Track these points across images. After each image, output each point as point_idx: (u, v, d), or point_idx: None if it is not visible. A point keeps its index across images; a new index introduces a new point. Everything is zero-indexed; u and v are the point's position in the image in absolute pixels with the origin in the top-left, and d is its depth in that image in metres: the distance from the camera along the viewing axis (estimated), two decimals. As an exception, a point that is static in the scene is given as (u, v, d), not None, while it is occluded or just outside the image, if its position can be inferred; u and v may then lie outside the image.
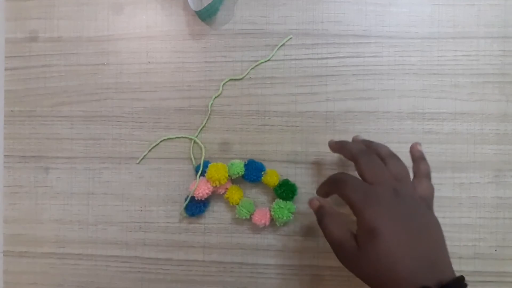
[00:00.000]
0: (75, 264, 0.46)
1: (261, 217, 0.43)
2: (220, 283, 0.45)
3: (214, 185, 0.43)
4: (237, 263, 0.45)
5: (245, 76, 0.45)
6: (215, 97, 0.45)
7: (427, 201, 0.34)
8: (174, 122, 0.46)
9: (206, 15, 0.45)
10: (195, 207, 0.44)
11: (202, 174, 0.44)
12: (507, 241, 0.43)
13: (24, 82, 0.47)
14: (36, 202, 0.47)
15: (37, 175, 0.47)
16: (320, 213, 0.36)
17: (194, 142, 0.45)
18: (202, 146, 0.45)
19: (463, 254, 0.43)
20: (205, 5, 0.43)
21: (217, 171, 0.42)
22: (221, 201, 0.45)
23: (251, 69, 0.45)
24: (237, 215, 0.43)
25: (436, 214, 0.44)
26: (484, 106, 0.44)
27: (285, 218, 0.42)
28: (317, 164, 0.45)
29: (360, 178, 0.33)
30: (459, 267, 0.43)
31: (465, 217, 0.44)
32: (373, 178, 0.33)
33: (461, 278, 0.29)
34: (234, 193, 0.43)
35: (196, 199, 0.43)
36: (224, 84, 0.45)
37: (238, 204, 0.43)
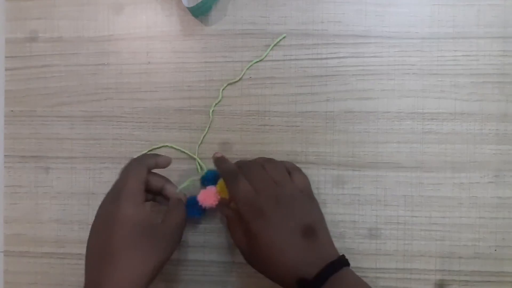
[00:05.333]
0: (75, 264, 0.46)
1: (206, 197, 0.41)
2: (220, 283, 0.45)
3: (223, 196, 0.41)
4: (237, 263, 0.45)
5: (241, 77, 0.45)
6: (216, 104, 0.45)
7: (306, 190, 0.39)
8: (174, 122, 0.46)
9: (199, 12, 0.45)
10: (196, 210, 0.42)
11: (207, 184, 0.43)
12: (507, 241, 0.43)
13: (24, 82, 0.47)
14: (36, 202, 0.47)
15: (37, 175, 0.47)
16: (227, 219, 0.41)
17: (200, 142, 0.45)
18: (204, 166, 0.45)
19: (463, 254, 0.44)
20: (198, 1, 0.43)
21: (223, 186, 0.40)
22: (221, 201, 0.45)
23: (246, 69, 0.45)
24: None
25: (436, 214, 0.44)
26: (484, 106, 0.44)
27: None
28: (317, 164, 0.45)
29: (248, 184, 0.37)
30: (458, 267, 0.43)
31: (465, 217, 0.44)
32: (257, 186, 0.37)
33: (342, 257, 0.35)
34: (224, 186, 0.40)
35: (202, 206, 0.41)
36: (223, 90, 0.45)
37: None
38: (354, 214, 0.44)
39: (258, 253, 0.36)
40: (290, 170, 0.40)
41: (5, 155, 0.48)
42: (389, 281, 0.44)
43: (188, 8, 0.43)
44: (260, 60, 0.45)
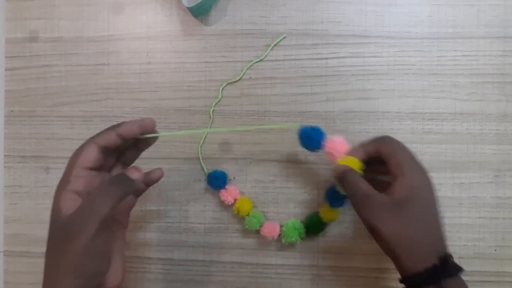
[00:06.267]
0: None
1: (271, 230, 0.43)
2: (220, 283, 0.45)
3: (236, 212, 0.44)
4: (237, 263, 0.45)
5: (241, 77, 0.45)
6: (216, 104, 0.45)
7: None
8: (174, 122, 0.46)
9: (199, 12, 0.45)
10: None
11: (213, 185, 0.44)
12: (507, 241, 0.43)
13: (24, 82, 0.47)
14: (36, 202, 0.47)
15: (37, 175, 0.47)
16: (345, 172, 0.35)
17: (201, 142, 0.45)
18: (205, 168, 0.45)
19: (463, 254, 0.44)
20: (198, 1, 0.43)
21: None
22: (221, 201, 0.45)
23: (247, 69, 0.45)
24: (246, 226, 0.43)
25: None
26: (484, 106, 0.44)
27: (293, 239, 0.42)
28: (317, 164, 0.45)
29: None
30: (459, 267, 0.43)
31: (464, 217, 0.44)
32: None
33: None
34: (244, 205, 0.43)
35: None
36: (222, 89, 0.45)
37: (248, 215, 0.43)
38: (355, 214, 0.44)
39: (410, 206, 0.32)
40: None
41: (5, 155, 0.48)
42: (389, 281, 0.44)
43: (188, 8, 0.43)
44: (260, 60, 0.45)
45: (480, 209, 0.44)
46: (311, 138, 0.38)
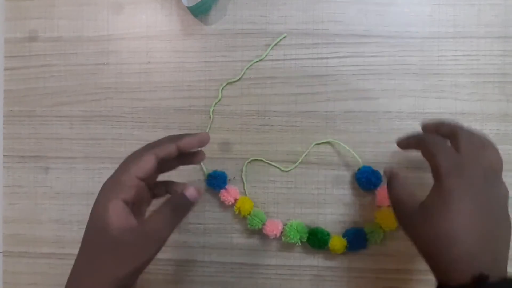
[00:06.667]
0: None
1: (273, 228, 0.43)
2: (220, 283, 0.45)
3: (237, 212, 0.44)
4: (237, 263, 0.45)
5: (241, 76, 0.45)
6: (216, 103, 0.45)
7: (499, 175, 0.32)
8: (174, 122, 0.46)
9: (199, 12, 0.45)
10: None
11: (213, 185, 0.44)
12: (508, 241, 0.43)
13: (23, 82, 0.47)
14: (35, 202, 0.47)
15: (36, 175, 0.47)
16: (391, 177, 0.36)
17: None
18: (205, 169, 0.45)
19: (464, 254, 0.43)
20: (198, 1, 0.42)
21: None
22: (221, 201, 0.45)
23: (247, 69, 0.45)
24: (248, 226, 0.43)
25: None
26: (485, 106, 0.44)
27: (293, 240, 0.42)
28: (317, 164, 0.45)
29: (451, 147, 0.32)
30: (459, 267, 0.43)
31: (465, 217, 0.44)
32: (469, 154, 0.31)
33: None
34: (245, 204, 0.43)
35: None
36: (222, 89, 0.45)
37: (249, 214, 0.43)
38: (355, 214, 0.44)
39: (438, 215, 0.29)
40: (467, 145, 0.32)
41: (4, 155, 0.47)
42: (389, 281, 0.44)
43: (188, 7, 0.43)
44: (260, 60, 0.45)
45: None
46: (370, 181, 0.42)
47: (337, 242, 0.42)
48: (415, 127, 0.44)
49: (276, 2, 0.45)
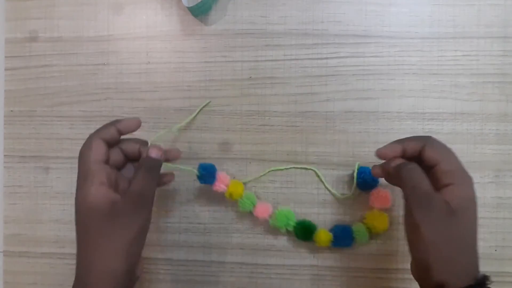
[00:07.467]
0: (75, 264, 0.46)
1: (263, 211, 0.43)
2: (220, 283, 0.45)
3: (229, 196, 0.43)
4: (237, 263, 0.45)
5: (196, 115, 0.45)
6: (187, 121, 0.45)
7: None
8: (174, 122, 0.46)
9: (199, 12, 0.45)
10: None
11: (205, 180, 0.43)
12: (507, 241, 0.43)
13: (24, 82, 0.47)
14: (36, 202, 0.47)
15: (37, 175, 0.47)
16: (404, 164, 0.33)
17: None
18: (194, 170, 0.43)
19: (463, 254, 0.43)
20: (198, 1, 0.43)
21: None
22: (221, 201, 0.45)
23: (198, 113, 0.45)
24: (240, 208, 0.43)
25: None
26: (484, 106, 0.44)
27: (280, 224, 0.42)
28: (317, 164, 0.45)
29: None
30: (459, 267, 0.43)
31: (465, 217, 0.44)
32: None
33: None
34: (237, 187, 0.43)
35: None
36: (200, 110, 0.45)
37: (241, 198, 0.43)
38: (355, 214, 0.44)
39: (466, 219, 0.32)
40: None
41: (4, 155, 0.47)
42: (389, 281, 0.44)
43: (188, 7, 0.43)
44: (167, 132, 0.45)
45: (480, 209, 0.43)
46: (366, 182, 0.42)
47: (323, 235, 0.42)
48: (414, 127, 0.44)
49: (276, 3, 0.45)
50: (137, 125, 0.37)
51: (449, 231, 0.30)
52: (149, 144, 0.38)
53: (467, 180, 0.33)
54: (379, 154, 0.35)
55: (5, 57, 0.47)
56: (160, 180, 0.39)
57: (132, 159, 0.38)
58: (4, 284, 0.47)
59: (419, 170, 0.33)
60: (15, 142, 0.47)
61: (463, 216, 0.31)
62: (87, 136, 0.32)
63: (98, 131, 0.35)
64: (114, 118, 0.46)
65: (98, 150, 0.33)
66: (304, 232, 0.43)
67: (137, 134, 0.46)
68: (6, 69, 0.47)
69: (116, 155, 0.36)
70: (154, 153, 0.35)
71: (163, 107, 0.46)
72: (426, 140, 0.34)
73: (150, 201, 0.34)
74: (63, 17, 0.47)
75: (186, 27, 0.46)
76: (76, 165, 0.46)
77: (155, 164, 0.35)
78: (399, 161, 0.34)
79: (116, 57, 0.47)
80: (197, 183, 0.44)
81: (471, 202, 0.32)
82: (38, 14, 0.47)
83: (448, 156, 0.33)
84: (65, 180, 0.47)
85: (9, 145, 0.47)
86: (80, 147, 0.45)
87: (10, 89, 0.47)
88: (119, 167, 0.37)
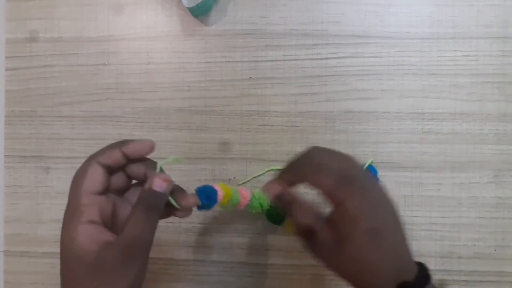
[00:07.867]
0: None
1: (244, 196, 0.38)
2: (220, 283, 0.45)
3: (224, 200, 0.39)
4: (237, 263, 0.45)
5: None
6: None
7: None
8: (175, 122, 0.46)
9: (199, 12, 0.45)
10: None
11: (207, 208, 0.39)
12: (507, 241, 0.44)
13: (24, 82, 0.47)
14: (36, 202, 0.47)
15: (37, 175, 0.47)
16: (283, 199, 0.32)
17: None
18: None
19: (463, 254, 0.44)
20: (198, 2, 0.43)
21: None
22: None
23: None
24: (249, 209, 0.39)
25: (436, 214, 0.44)
26: (484, 106, 0.44)
27: (254, 204, 0.38)
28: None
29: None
30: (458, 267, 0.43)
31: (464, 217, 0.44)
32: (341, 162, 0.30)
33: (425, 268, 0.29)
34: (227, 191, 0.37)
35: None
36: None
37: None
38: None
39: (353, 241, 0.28)
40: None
41: (5, 155, 0.48)
42: (389, 281, 0.44)
43: (188, 8, 0.43)
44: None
45: (480, 209, 0.44)
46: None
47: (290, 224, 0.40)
48: (414, 127, 0.44)
49: (276, 3, 0.45)
50: (149, 149, 0.29)
51: (343, 258, 0.28)
52: (157, 168, 0.30)
53: (358, 192, 0.29)
54: (266, 190, 0.33)
55: (6, 57, 0.48)
56: (166, 213, 0.31)
57: (137, 180, 0.31)
58: (5, 283, 0.47)
59: (299, 205, 0.31)
60: (16, 142, 0.47)
61: (353, 237, 0.28)
62: (87, 136, 0.31)
63: (98, 153, 0.29)
64: (114, 118, 0.46)
65: (94, 178, 0.28)
66: (277, 215, 0.41)
67: (137, 135, 0.46)
68: (6, 69, 0.48)
69: (117, 177, 0.30)
70: (158, 186, 0.28)
71: (163, 107, 0.46)
72: (305, 165, 0.30)
73: (146, 248, 0.27)
74: (64, 17, 0.47)
75: (187, 27, 0.46)
76: (78, 165, 0.46)
77: (158, 200, 0.28)
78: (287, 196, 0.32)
79: (117, 57, 0.47)
80: (198, 184, 0.44)
81: (363, 217, 0.28)
82: (39, 14, 0.47)
83: (330, 172, 0.29)
84: (65, 180, 0.47)
85: (9, 145, 0.48)
86: (80, 147, 0.44)
87: (10, 89, 0.48)
88: (122, 191, 0.31)
